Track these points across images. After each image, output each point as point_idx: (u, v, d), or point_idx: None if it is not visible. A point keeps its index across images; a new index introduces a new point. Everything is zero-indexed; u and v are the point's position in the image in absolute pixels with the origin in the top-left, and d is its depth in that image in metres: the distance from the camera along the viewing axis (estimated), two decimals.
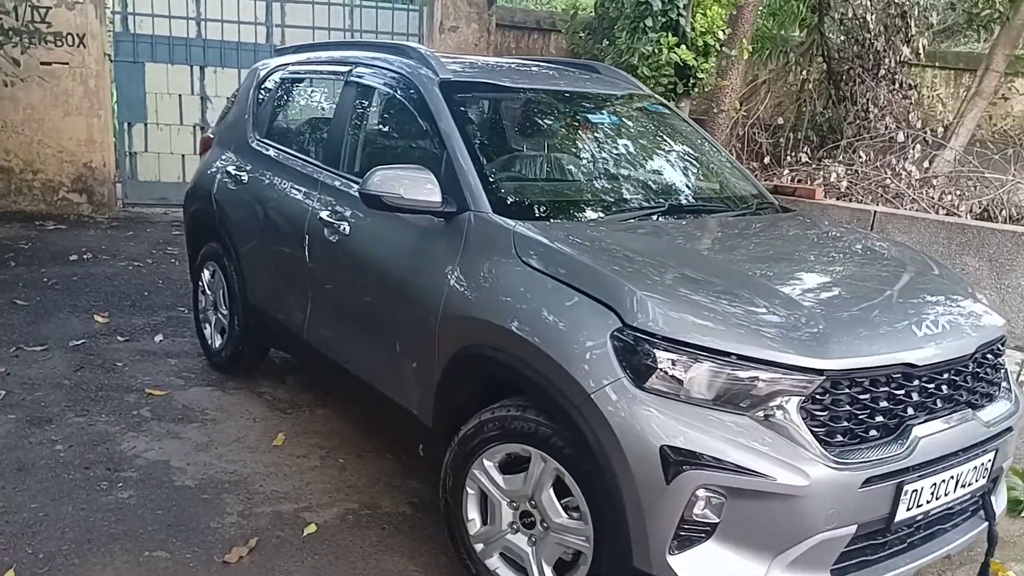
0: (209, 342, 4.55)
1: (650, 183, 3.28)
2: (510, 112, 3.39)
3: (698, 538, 2.17)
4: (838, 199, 6.89)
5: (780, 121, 8.72)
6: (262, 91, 4.37)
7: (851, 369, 2.22)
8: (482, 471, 2.57)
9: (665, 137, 3.60)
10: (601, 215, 2.93)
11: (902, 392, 2.32)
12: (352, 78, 3.61)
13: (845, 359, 2.21)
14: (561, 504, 2.41)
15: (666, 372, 2.17)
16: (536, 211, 2.86)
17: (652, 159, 3.44)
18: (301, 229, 3.54)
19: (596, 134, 3.41)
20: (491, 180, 2.90)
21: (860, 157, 7.70)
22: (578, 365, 2.27)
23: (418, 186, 2.82)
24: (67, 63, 7.88)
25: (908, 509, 2.30)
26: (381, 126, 3.59)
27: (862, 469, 2.18)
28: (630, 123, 3.59)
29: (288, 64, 4.31)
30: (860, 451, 2.22)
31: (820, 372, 2.17)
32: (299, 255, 3.56)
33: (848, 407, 2.22)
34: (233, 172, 4.21)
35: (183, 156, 9.01)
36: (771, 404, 2.16)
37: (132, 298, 5.69)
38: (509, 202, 2.85)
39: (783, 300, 2.38)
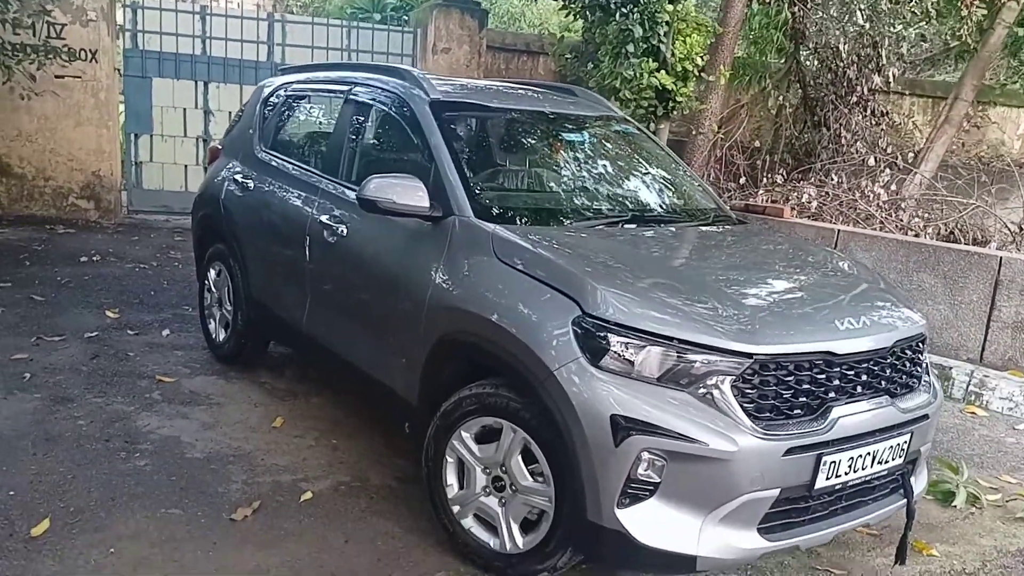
0: (213, 336, 4.91)
1: (616, 195, 3.68)
2: (493, 129, 3.79)
3: (643, 495, 2.53)
4: (810, 219, 7.31)
5: (757, 144, 9.16)
6: (267, 106, 4.76)
7: (776, 354, 2.60)
8: (460, 441, 2.93)
9: (633, 155, 4.00)
10: (570, 222, 3.32)
11: (824, 377, 2.69)
12: (352, 96, 4.01)
13: (770, 345, 2.59)
14: (527, 469, 2.77)
15: (618, 353, 2.55)
16: (513, 217, 3.24)
17: (619, 174, 3.84)
18: (302, 231, 3.91)
19: (570, 151, 3.81)
20: (474, 189, 3.29)
21: (832, 179, 8.13)
22: (544, 347, 2.64)
23: (409, 193, 3.20)
24: (79, 77, 8.28)
25: (827, 479, 2.67)
26: (377, 139, 3.98)
27: (784, 440, 2.55)
28: (602, 142, 3.99)
29: (292, 83, 4.70)
30: (785, 426, 2.60)
31: (749, 355, 2.55)
32: (300, 255, 3.93)
33: (774, 387, 2.60)
34: (240, 180, 4.59)
35: (186, 166, 9.40)
36: (707, 383, 2.54)
37: (140, 297, 6.05)
38: (489, 208, 3.24)
39: (723, 296, 2.76)
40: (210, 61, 9.26)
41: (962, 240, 7.49)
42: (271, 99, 4.75)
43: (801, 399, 2.65)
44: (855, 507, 2.88)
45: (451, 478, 3.00)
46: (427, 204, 3.21)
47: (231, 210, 4.64)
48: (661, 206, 3.75)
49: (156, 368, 4.63)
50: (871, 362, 2.83)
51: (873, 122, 8.95)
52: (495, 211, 3.24)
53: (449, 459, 2.99)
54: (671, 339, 2.54)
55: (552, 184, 3.66)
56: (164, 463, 3.52)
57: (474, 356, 3.00)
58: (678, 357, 2.54)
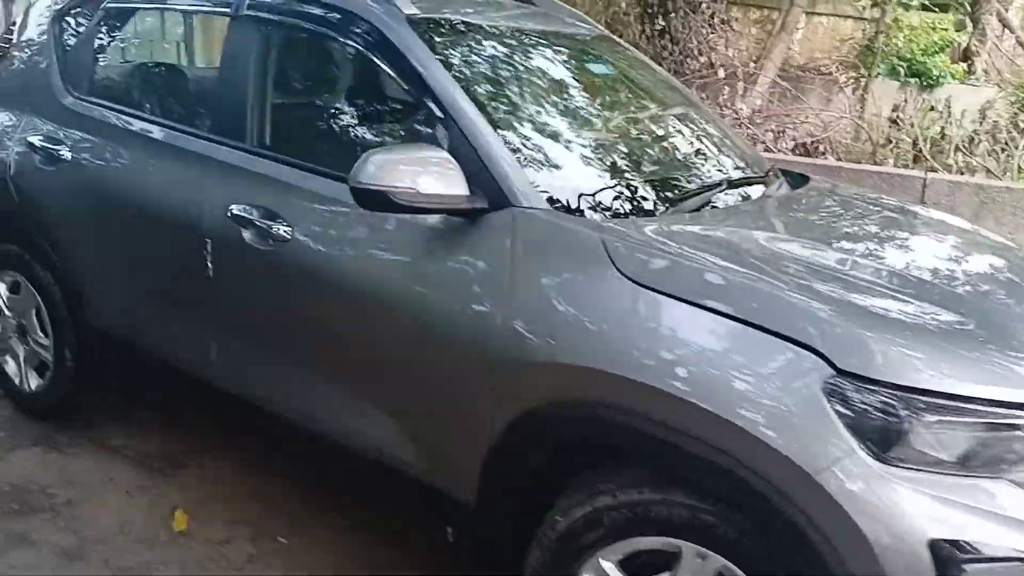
0: (18, 382, 3.27)
1: (684, 151, 2.60)
2: (498, 63, 2.50)
3: None
4: None
5: None
6: (69, 27, 3.08)
7: None
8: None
9: (656, 89, 2.92)
10: (673, 202, 2.22)
11: None
12: (247, 12, 2.53)
13: None
14: None
15: (918, 435, 1.58)
16: (608, 202, 2.10)
17: (663, 117, 2.74)
18: (196, 229, 2.48)
19: (602, 89, 2.66)
20: (528, 161, 2.10)
21: None
22: (779, 432, 1.61)
23: (437, 175, 1.97)
24: None
25: None
26: (313, 84, 2.58)
27: None
28: (623, 74, 2.86)
29: None
30: None
31: None
32: (195, 265, 2.50)
33: None
34: (41, 144, 2.95)
35: None
36: None
37: None
38: (563, 190, 2.07)
39: (994, 316, 1.87)
40: None
41: (815, 154, 7.23)
42: (74, 15, 3.07)
43: None
44: None
45: None
46: (465, 191, 1.99)
47: (31, 192, 2.99)
48: (732, 161, 2.70)
49: None
50: None
51: (716, 31, 8.42)
52: (573, 194, 2.08)
53: None
54: (997, 402, 1.61)
55: (615, 142, 2.46)
56: None
57: (603, 438, 1.89)
58: (999, 429, 1.62)
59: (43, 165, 2.94)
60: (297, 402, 2.42)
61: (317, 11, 2.42)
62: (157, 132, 2.69)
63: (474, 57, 2.37)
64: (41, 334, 3.13)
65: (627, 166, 2.30)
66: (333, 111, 2.58)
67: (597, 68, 2.69)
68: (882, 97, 8.77)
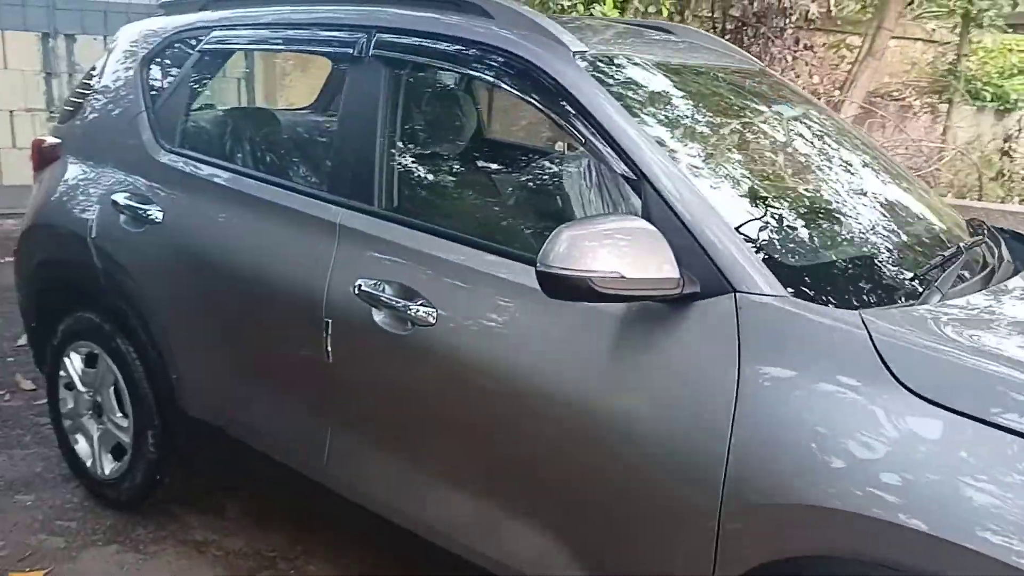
0: (90, 464, 2.90)
1: (908, 209, 2.16)
2: (687, 107, 2.08)
3: None
4: None
5: None
6: (159, 73, 2.74)
7: None
8: None
9: (842, 131, 2.48)
10: (927, 278, 1.78)
11: None
12: (374, 53, 2.16)
13: None
14: None
15: None
16: (855, 286, 1.67)
17: (875, 170, 2.29)
18: (313, 306, 2.09)
19: (800, 140, 2.22)
20: (750, 233, 1.68)
21: None
22: None
23: (641, 253, 1.55)
24: None
25: None
26: (456, 137, 2.20)
27: None
28: (808, 115, 2.43)
29: (204, 27, 2.69)
30: None
31: None
32: (310, 348, 2.11)
33: None
34: (127, 203, 2.60)
35: None
36: None
37: None
38: (795, 270, 1.64)
39: None
40: None
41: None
42: (164, 59, 2.73)
43: None
44: None
45: None
46: (675, 273, 1.57)
47: (115, 256, 2.64)
48: (941, 218, 2.25)
49: None
50: None
51: (798, 56, 7.98)
52: (812, 277, 1.65)
53: None
54: None
55: (834, 205, 2.01)
56: None
57: None
58: None
59: (129, 226, 2.59)
60: (432, 516, 2.01)
61: (459, 50, 2.04)
62: (264, 191, 2.31)
63: (659, 102, 1.96)
64: (119, 414, 2.77)
65: (861, 233, 1.86)
66: (483, 169, 2.18)
67: (785, 111, 2.26)
68: (959, 123, 8.31)
